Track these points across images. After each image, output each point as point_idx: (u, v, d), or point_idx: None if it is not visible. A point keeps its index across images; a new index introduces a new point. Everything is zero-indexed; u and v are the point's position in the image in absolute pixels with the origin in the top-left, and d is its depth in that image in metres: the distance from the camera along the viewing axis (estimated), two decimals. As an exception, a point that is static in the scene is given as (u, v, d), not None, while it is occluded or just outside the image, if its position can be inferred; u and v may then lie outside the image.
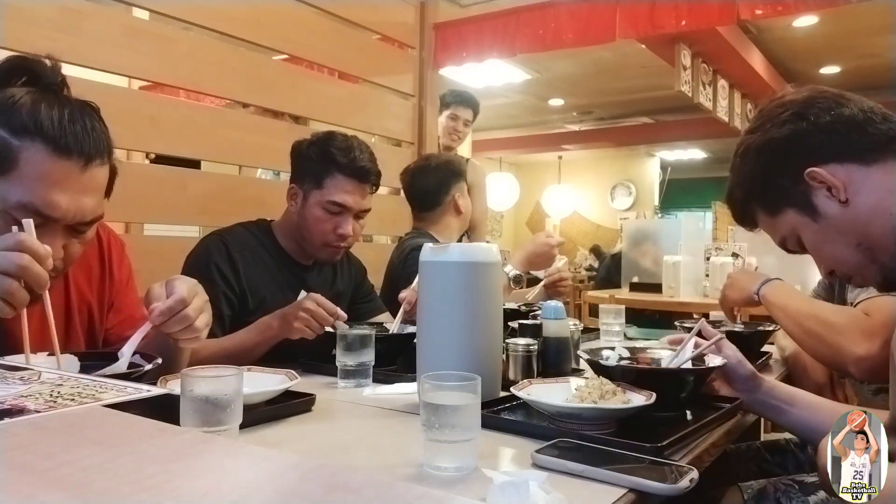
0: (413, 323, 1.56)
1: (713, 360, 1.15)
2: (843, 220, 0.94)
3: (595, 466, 0.80)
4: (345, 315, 1.47)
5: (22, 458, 0.48)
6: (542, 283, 2.07)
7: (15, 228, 0.95)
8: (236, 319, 1.57)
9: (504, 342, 1.27)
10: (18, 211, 0.98)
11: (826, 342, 1.32)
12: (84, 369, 1.02)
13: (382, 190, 2.94)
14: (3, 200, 0.98)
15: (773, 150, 0.96)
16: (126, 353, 1.05)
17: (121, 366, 1.04)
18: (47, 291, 0.96)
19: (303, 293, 1.65)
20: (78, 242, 1.08)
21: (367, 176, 1.67)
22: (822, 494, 1.12)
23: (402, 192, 2.94)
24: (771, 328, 1.70)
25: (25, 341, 0.97)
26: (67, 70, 1.72)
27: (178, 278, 1.10)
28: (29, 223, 0.94)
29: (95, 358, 1.07)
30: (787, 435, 1.51)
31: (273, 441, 0.96)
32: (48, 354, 1.02)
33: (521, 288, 2.07)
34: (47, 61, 1.08)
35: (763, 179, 0.99)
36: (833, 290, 1.73)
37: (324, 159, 1.64)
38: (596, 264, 8.96)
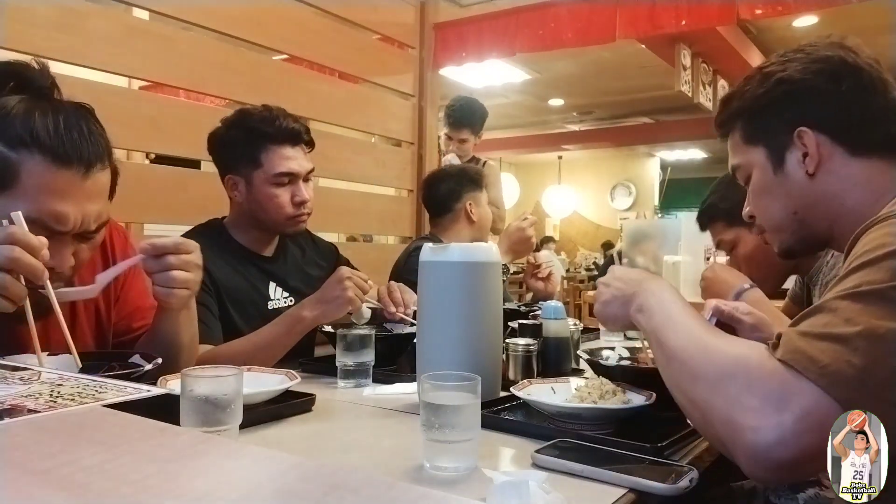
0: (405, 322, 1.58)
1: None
2: (796, 187, 0.95)
3: (595, 466, 0.80)
4: (373, 283, 1.47)
5: (22, 458, 0.48)
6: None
7: (5, 222, 0.93)
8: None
9: (504, 342, 1.27)
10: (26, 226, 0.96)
11: None
12: (85, 370, 1.02)
13: (383, 190, 2.95)
14: (7, 217, 0.95)
15: (789, 90, 0.95)
16: (102, 280, 1.06)
17: (93, 289, 1.06)
18: (53, 292, 0.96)
19: (272, 285, 1.64)
20: (87, 248, 1.08)
21: (300, 136, 1.61)
22: (810, 492, 1.12)
23: (403, 192, 2.96)
24: None
25: (35, 340, 0.96)
26: (67, 70, 1.74)
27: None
28: (18, 215, 0.93)
29: (95, 358, 1.07)
30: None
31: (273, 441, 0.96)
32: (48, 354, 1.02)
33: (506, 279, 2.07)
34: (35, 64, 1.05)
35: (763, 107, 0.98)
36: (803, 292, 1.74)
37: (252, 137, 1.57)
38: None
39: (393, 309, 1.54)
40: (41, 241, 0.93)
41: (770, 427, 0.66)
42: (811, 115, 0.93)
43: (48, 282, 0.96)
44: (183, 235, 1.60)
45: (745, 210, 1.07)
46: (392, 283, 1.62)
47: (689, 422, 0.80)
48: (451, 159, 3.24)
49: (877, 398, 0.65)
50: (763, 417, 0.67)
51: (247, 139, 1.58)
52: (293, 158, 1.60)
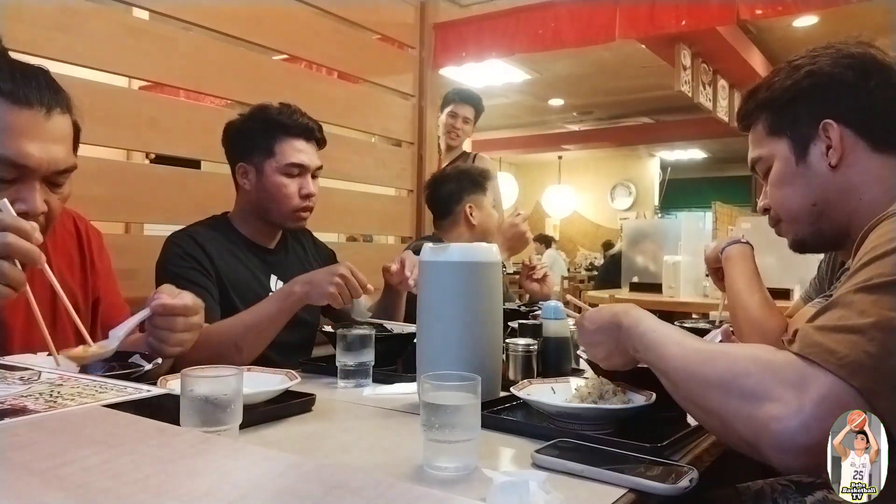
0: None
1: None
2: (817, 179, 0.97)
3: (595, 466, 0.80)
4: (371, 288, 1.48)
5: (22, 458, 0.48)
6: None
7: None
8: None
9: (504, 342, 1.27)
10: None
11: None
12: (83, 369, 1.02)
13: (383, 190, 2.95)
14: None
15: (817, 82, 0.97)
16: (119, 334, 1.05)
17: (110, 344, 1.05)
18: (29, 287, 0.96)
19: (273, 278, 1.67)
20: (57, 198, 1.09)
21: (313, 133, 1.69)
22: (818, 495, 1.12)
23: (403, 192, 2.96)
24: None
25: (46, 336, 0.97)
26: (67, 70, 1.74)
27: (188, 293, 1.13)
28: (5, 203, 0.94)
29: (94, 358, 1.07)
30: None
31: (273, 441, 0.96)
32: (48, 355, 1.02)
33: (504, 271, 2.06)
34: None
35: (790, 98, 1.00)
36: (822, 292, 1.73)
37: (268, 127, 1.65)
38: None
39: (396, 268, 1.62)
40: (32, 225, 0.94)
41: (791, 414, 0.67)
42: (837, 108, 0.95)
43: (46, 266, 0.98)
44: (187, 228, 1.64)
45: (761, 203, 1.08)
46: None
47: (705, 428, 0.80)
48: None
49: (892, 386, 0.66)
50: (783, 406, 0.68)
51: (263, 129, 1.65)
52: (304, 151, 1.67)
